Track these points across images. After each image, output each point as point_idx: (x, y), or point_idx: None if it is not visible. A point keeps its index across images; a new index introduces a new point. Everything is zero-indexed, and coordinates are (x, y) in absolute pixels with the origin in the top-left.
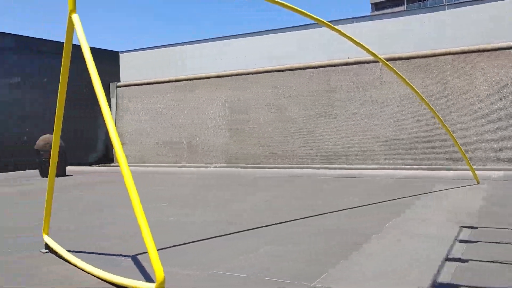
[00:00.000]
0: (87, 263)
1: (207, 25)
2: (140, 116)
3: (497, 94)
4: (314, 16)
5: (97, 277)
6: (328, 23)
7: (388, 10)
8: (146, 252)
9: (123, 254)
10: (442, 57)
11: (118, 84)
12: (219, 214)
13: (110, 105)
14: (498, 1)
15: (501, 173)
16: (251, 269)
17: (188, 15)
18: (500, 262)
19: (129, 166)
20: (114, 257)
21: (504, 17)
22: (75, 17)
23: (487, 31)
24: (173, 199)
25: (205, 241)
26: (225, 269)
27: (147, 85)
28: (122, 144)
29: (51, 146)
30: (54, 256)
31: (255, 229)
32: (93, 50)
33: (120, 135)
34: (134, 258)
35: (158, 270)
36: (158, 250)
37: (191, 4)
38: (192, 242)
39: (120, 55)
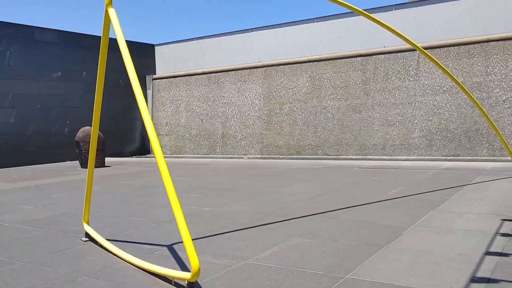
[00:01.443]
0: (125, 251)
1: (237, 18)
2: (175, 108)
3: None
4: (350, 5)
5: (135, 265)
6: (363, 11)
7: None
8: (182, 242)
9: (159, 243)
10: (484, 44)
11: (154, 76)
12: (252, 205)
13: (146, 97)
14: None
15: None
16: (284, 260)
17: (220, 7)
18: None
19: (165, 157)
20: (151, 246)
21: None
22: (112, 11)
23: None
24: (207, 190)
25: (238, 231)
26: (258, 259)
27: (181, 77)
28: (158, 135)
29: (90, 137)
30: (94, 244)
31: (288, 221)
32: (129, 43)
33: (156, 126)
34: (170, 247)
35: (193, 259)
36: (193, 239)
37: None
38: (226, 232)
39: (156, 48)
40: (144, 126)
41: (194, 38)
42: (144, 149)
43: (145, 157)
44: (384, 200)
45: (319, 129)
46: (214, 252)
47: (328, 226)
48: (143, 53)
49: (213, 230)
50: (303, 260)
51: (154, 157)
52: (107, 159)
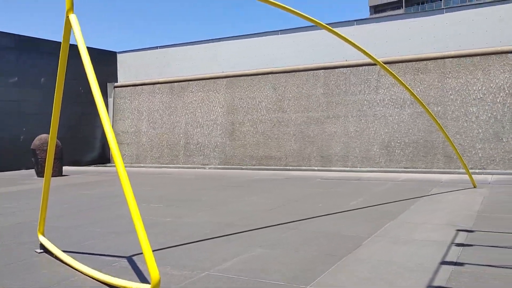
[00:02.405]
0: (82, 263)
1: (204, 26)
2: (136, 117)
3: (494, 98)
4: (313, 19)
5: (92, 278)
6: (326, 25)
7: (387, 13)
8: (142, 253)
9: (119, 254)
10: (440, 60)
11: (116, 84)
12: (214, 216)
13: (107, 105)
14: (497, 5)
15: (497, 176)
16: (245, 271)
17: (184, 16)
18: (497, 266)
19: (125, 166)
20: (110, 257)
21: (502, 21)
22: (73, 17)
23: (484, 34)
24: (168, 200)
25: (200, 242)
26: (219, 270)
27: (144, 86)
28: (119, 144)
29: (47, 145)
30: (49, 256)
31: (249, 231)
32: (91, 50)
33: (117, 135)
34: (130, 259)
35: (153, 271)
36: (153, 251)
37: (188, 5)
38: (187, 243)
39: (118, 55)
40: (104, 134)
41: (157, 47)
42: (104, 158)
43: (105, 166)
44: (345, 211)
45: (282, 140)
46: (174, 263)
47: (289, 236)
48: (105, 61)
49: (174, 241)
50: (264, 271)
51: (114, 166)
52: (65, 168)
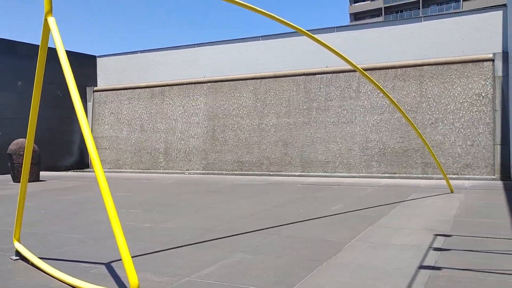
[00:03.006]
0: (59, 270)
1: (184, 31)
2: (116, 121)
3: (471, 105)
4: (294, 25)
5: (70, 285)
6: (307, 32)
7: (367, 21)
8: (120, 259)
9: (97, 261)
10: (419, 67)
11: (95, 88)
12: (195, 221)
13: (86, 110)
14: (472, 14)
15: (474, 182)
16: (226, 276)
17: (164, 21)
18: (473, 270)
19: (105, 171)
20: (88, 264)
21: (478, 30)
22: (51, 20)
23: (461, 43)
24: (148, 205)
25: (180, 248)
26: (198, 276)
27: (124, 90)
28: (98, 149)
29: (24, 150)
30: (25, 263)
31: (230, 237)
32: (70, 53)
33: (96, 140)
34: (108, 265)
35: (132, 277)
36: (132, 257)
37: (169, 9)
38: (167, 249)
39: (98, 59)
40: (83, 139)
41: (138, 51)
42: (82, 163)
43: (83, 172)
44: (326, 216)
45: (263, 146)
46: (154, 269)
47: (270, 242)
48: (84, 64)
49: (154, 247)
50: (246, 276)
51: (92, 171)
52: (42, 173)
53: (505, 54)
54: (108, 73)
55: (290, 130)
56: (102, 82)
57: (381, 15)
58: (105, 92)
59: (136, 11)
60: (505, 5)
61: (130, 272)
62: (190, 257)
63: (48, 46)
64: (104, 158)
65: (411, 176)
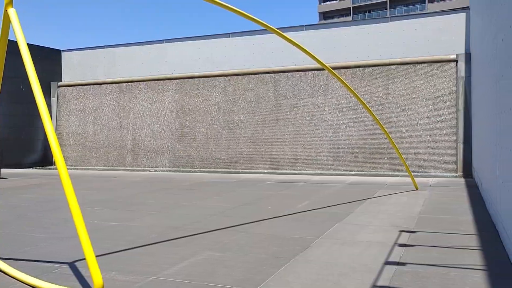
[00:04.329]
0: (20, 271)
1: (151, 28)
2: (82, 117)
3: (435, 104)
4: (263, 22)
5: (32, 286)
6: (276, 30)
7: (335, 20)
8: (84, 258)
9: (60, 260)
10: (386, 67)
11: (60, 83)
12: (161, 219)
13: (50, 105)
14: (437, 16)
15: (437, 179)
16: (193, 275)
17: (134, 15)
18: (436, 265)
19: (70, 168)
20: (51, 263)
21: (442, 31)
22: (12, 11)
23: (426, 43)
24: (114, 203)
25: (147, 246)
26: (165, 275)
27: (90, 86)
28: (63, 146)
29: None
30: None
31: (198, 235)
32: (33, 47)
33: (61, 136)
34: (72, 265)
35: (96, 277)
36: (97, 256)
37: (138, 4)
38: (133, 247)
39: (62, 53)
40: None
41: (104, 46)
42: (46, 160)
43: (48, 169)
44: (293, 214)
45: (232, 143)
46: (120, 268)
47: (238, 239)
48: (48, 58)
49: (119, 246)
50: (213, 274)
51: (56, 168)
52: (4, 170)
53: (467, 55)
54: (73, 68)
55: (259, 128)
56: (67, 77)
57: (350, 15)
58: (70, 87)
59: (103, 5)
60: (468, 7)
61: (94, 271)
62: (156, 256)
63: (9, 38)
64: (69, 155)
65: (378, 174)
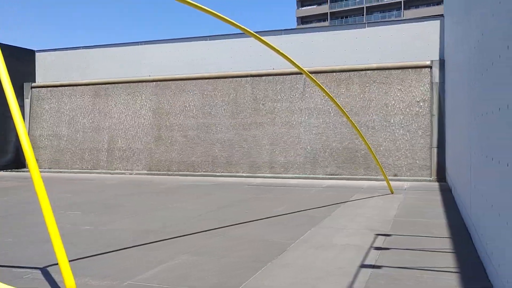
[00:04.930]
0: None
1: (128, 30)
2: (56, 119)
3: (411, 109)
4: (242, 26)
5: None
6: (255, 34)
7: (313, 25)
8: (57, 263)
9: (32, 265)
10: (363, 72)
11: (33, 84)
12: (137, 223)
13: (23, 106)
14: (412, 22)
15: (412, 183)
16: (169, 279)
17: (109, 17)
18: (411, 268)
19: (44, 171)
20: (22, 269)
21: (417, 37)
22: None
23: (402, 49)
24: (89, 207)
25: (122, 250)
26: (141, 279)
27: (65, 87)
28: (36, 148)
29: None
30: None
31: (174, 239)
32: (6, 47)
33: (34, 138)
34: (44, 270)
35: (69, 282)
36: (70, 261)
37: (113, 5)
38: (108, 252)
39: (36, 54)
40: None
41: (80, 47)
42: (19, 162)
43: (20, 171)
44: (270, 217)
45: (209, 146)
46: (94, 273)
47: (215, 243)
48: (22, 59)
49: (94, 250)
50: (189, 278)
51: (29, 171)
52: None
53: (442, 61)
54: (47, 69)
55: (237, 131)
56: (41, 78)
57: (327, 20)
58: (44, 88)
59: (79, 6)
60: (442, 15)
61: (67, 276)
62: (132, 260)
63: None
64: (43, 157)
65: (354, 178)
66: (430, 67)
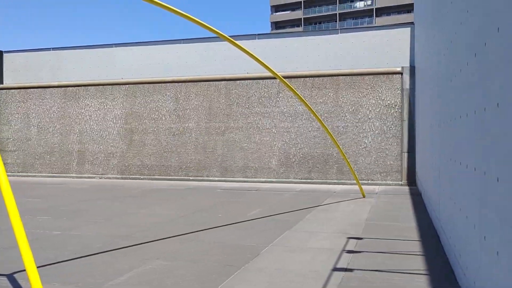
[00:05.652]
0: None
1: (98, 32)
2: (24, 122)
3: (382, 114)
4: (216, 30)
5: None
6: (229, 38)
7: (287, 30)
8: (25, 270)
9: None
10: (335, 77)
11: (1, 86)
12: (108, 228)
13: None
14: (384, 29)
15: (383, 187)
16: (141, 285)
17: (82, 19)
18: (382, 271)
19: (11, 175)
20: None
21: (388, 44)
22: None
23: (373, 55)
24: (58, 212)
25: (92, 256)
26: (112, 285)
27: (34, 89)
28: (3, 151)
29: None
30: None
31: (146, 244)
32: None
33: (1, 141)
34: (11, 277)
35: None
36: (38, 266)
37: (84, 8)
38: (78, 257)
39: (4, 55)
40: None
41: (50, 48)
42: None
43: None
44: (244, 221)
45: (182, 150)
46: (63, 279)
47: (188, 248)
48: None
49: (63, 256)
50: (162, 283)
51: None
52: None
53: (412, 68)
54: (16, 70)
55: (210, 135)
56: (9, 79)
57: (301, 25)
58: (12, 90)
59: (51, 7)
60: (412, 23)
61: (34, 283)
62: (102, 266)
63: None
64: (10, 161)
65: (326, 182)
66: (401, 73)
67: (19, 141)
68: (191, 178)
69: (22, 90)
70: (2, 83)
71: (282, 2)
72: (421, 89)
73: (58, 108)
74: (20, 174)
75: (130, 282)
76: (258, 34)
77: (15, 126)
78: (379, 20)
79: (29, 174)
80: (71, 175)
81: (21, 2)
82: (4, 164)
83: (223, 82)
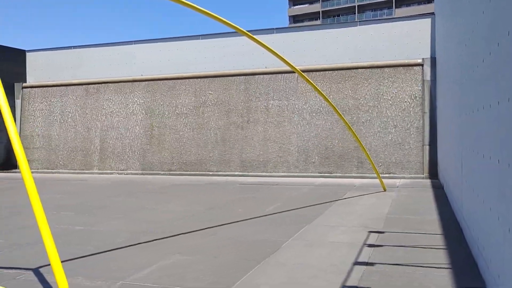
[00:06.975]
0: None
1: (120, 29)
2: (47, 119)
3: (403, 107)
4: (234, 25)
5: None
6: (247, 32)
7: (305, 24)
8: (49, 264)
9: (24, 267)
10: (355, 70)
11: (24, 84)
12: (129, 223)
13: (14, 107)
14: (403, 21)
15: (404, 180)
16: (162, 278)
17: (101, 17)
18: (403, 264)
19: (35, 172)
20: (14, 270)
21: (408, 36)
22: None
23: (393, 47)
24: (81, 208)
25: (115, 251)
26: (134, 279)
27: (56, 87)
28: (27, 148)
29: None
30: None
31: (167, 238)
32: None
33: (26, 139)
34: (37, 271)
35: (62, 282)
36: (63, 261)
37: (105, 6)
38: (101, 252)
39: (27, 54)
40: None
41: (71, 47)
42: (9, 163)
43: (11, 172)
44: (263, 216)
45: (202, 145)
46: (87, 273)
47: (208, 242)
48: (12, 59)
49: (86, 250)
50: (183, 278)
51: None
52: None
53: (433, 59)
54: (38, 69)
55: (230, 130)
56: (32, 78)
57: (319, 19)
58: (36, 88)
59: (70, 6)
60: (433, 13)
61: (59, 277)
62: (124, 260)
63: None
64: (34, 158)
65: (347, 176)
66: (422, 65)
67: (43, 138)
68: (210, 173)
69: (44, 88)
70: (26, 82)
71: None
72: (442, 80)
73: (80, 105)
74: (44, 171)
75: (152, 277)
76: (276, 28)
77: (38, 124)
78: (398, 11)
79: (53, 170)
80: (93, 171)
81: (39, 1)
82: (28, 161)
83: (242, 77)
